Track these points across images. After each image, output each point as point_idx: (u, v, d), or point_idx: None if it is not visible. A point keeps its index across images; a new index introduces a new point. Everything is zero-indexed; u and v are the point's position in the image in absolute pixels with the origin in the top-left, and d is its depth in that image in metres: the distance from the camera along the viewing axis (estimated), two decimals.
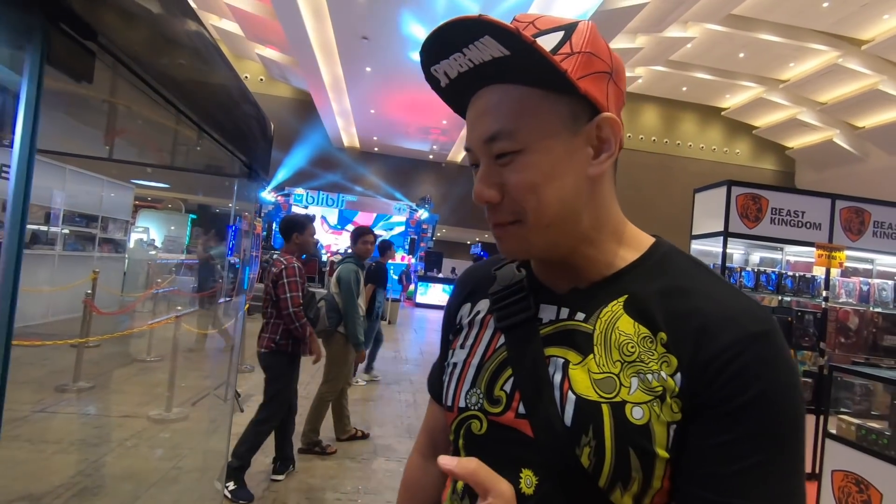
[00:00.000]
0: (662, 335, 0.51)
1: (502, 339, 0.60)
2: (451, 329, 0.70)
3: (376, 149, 19.68)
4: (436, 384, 0.76)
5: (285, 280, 2.97)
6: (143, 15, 0.72)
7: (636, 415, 0.49)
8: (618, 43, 12.78)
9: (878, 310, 3.91)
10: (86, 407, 3.99)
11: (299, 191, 17.84)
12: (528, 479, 0.53)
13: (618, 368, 0.52)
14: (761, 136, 18.37)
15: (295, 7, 9.66)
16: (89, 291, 4.85)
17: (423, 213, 17.37)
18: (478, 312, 0.66)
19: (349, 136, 18.69)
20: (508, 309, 0.61)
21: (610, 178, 0.59)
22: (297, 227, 3.16)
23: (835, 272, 3.92)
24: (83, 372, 4.44)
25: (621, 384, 0.51)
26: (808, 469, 3.64)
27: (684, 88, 17.19)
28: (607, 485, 0.49)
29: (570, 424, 0.51)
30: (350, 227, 17.91)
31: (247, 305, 5.14)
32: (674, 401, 0.49)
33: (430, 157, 19.77)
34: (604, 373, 0.52)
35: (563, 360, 0.54)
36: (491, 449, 0.56)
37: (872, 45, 11.86)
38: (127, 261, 9.16)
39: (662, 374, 0.50)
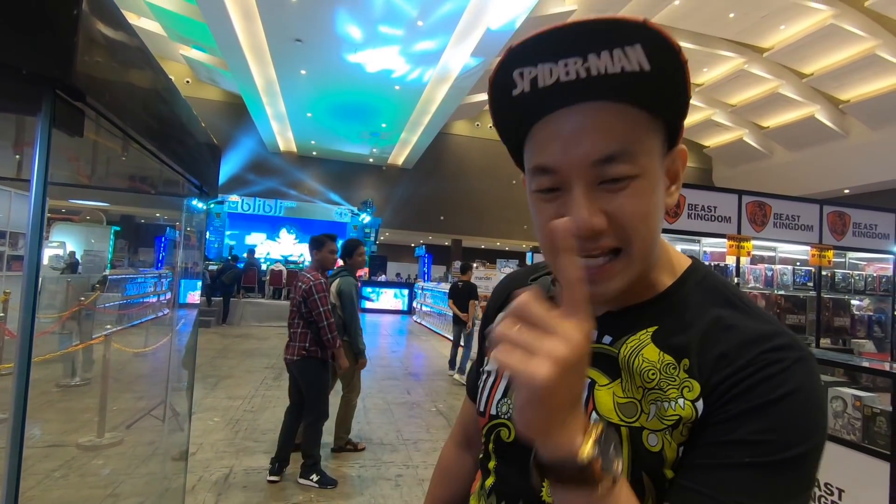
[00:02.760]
0: (686, 361, 0.52)
1: None
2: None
3: (314, 153, 19.27)
4: (472, 385, 0.78)
5: (316, 296, 3.26)
6: (117, 76, 0.77)
7: (651, 442, 0.51)
8: None
9: (781, 292, 4.37)
10: (2, 439, 3.68)
11: (234, 198, 17.15)
12: (549, 489, 0.53)
13: (640, 394, 0.53)
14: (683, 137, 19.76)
15: (222, 7, 9.30)
16: (1, 314, 4.47)
17: (365, 217, 17.21)
18: None
19: (285, 141, 18.19)
20: None
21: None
22: (315, 245, 3.47)
23: (744, 260, 4.33)
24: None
25: (642, 410, 0.52)
26: None
27: None
28: None
29: None
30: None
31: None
32: (685, 427, 0.50)
33: (371, 160, 19.63)
34: (628, 398, 0.53)
35: (589, 381, 0.56)
36: (517, 456, 0.59)
37: (773, 53, 13.09)
38: (41, 279, 8.45)
39: (681, 401, 0.50)
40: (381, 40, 10.74)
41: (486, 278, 8.69)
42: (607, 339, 0.57)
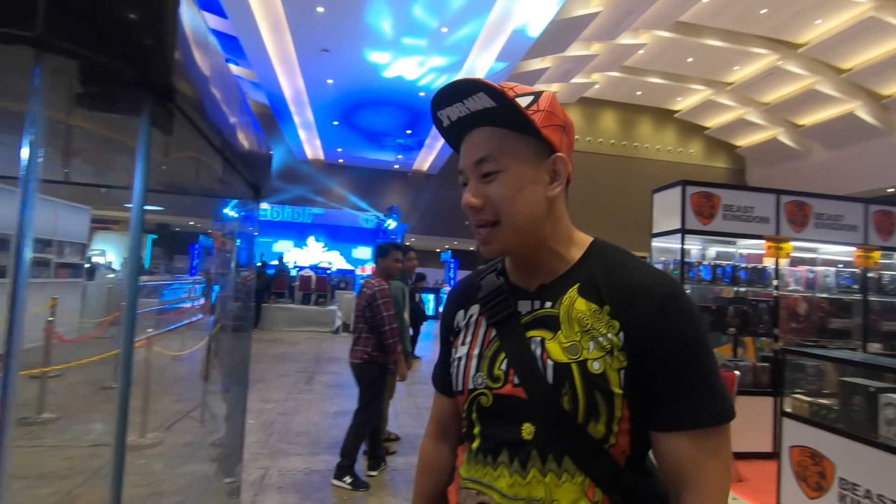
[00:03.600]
0: (607, 307, 0.73)
1: (494, 332, 0.80)
2: (450, 333, 0.89)
3: (341, 160, 19.57)
4: (440, 379, 0.94)
5: (380, 301, 3.40)
6: (198, 80, 0.82)
7: (595, 367, 0.70)
8: (574, 50, 13.20)
9: (824, 295, 4.20)
10: (52, 438, 3.84)
11: (264, 205, 17.55)
12: (528, 429, 0.73)
13: (579, 337, 0.72)
14: (712, 136, 19.24)
15: (252, 21, 9.58)
16: (51, 318, 4.67)
17: (391, 223, 17.34)
18: (471, 315, 0.86)
19: (313, 149, 18.53)
20: (495, 308, 0.80)
21: (562, 200, 0.80)
22: (380, 253, 3.66)
23: (783, 262, 4.19)
24: (47, 403, 4.28)
25: (583, 347, 0.71)
26: (768, 448, 3.87)
27: (639, 93, 17.86)
28: (584, 420, 0.69)
29: (552, 383, 0.71)
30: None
31: (218, 326, 5.04)
32: (620, 353, 0.70)
33: (396, 166, 19.81)
34: (570, 342, 0.72)
35: (540, 338, 0.75)
36: (498, 414, 0.76)
37: (808, 48, 12.67)
38: (86, 285, 8.82)
39: (609, 335, 0.71)
40: (406, 48, 10.86)
41: None
42: (548, 304, 0.77)
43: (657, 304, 0.70)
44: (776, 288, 4.09)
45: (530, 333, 0.75)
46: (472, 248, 22.05)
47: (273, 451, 3.89)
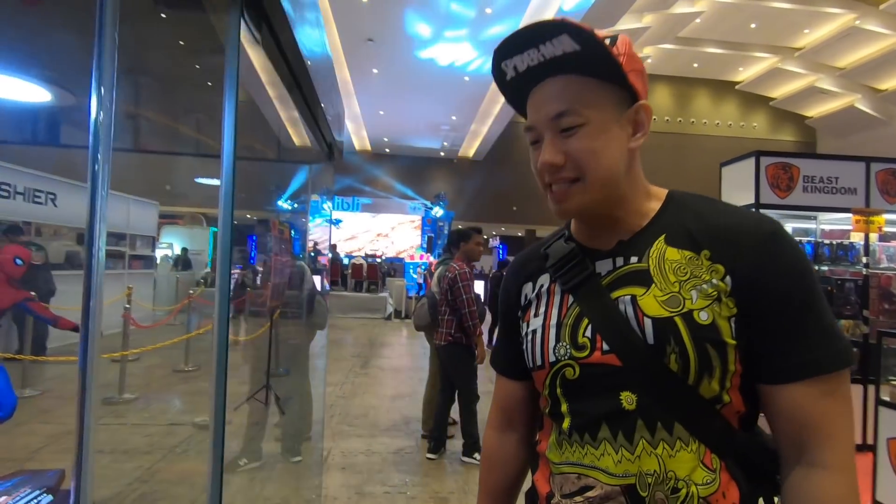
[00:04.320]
0: (706, 252, 0.66)
1: (572, 299, 0.73)
2: (516, 308, 0.82)
3: (387, 150, 19.73)
4: (503, 362, 0.87)
5: (461, 284, 3.47)
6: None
7: (703, 317, 0.63)
8: (624, 24, 12.59)
9: None
10: (134, 417, 4.10)
11: (314, 197, 18.01)
12: (627, 398, 0.66)
13: (677, 287, 0.65)
14: (779, 108, 17.96)
15: None
16: (127, 306, 4.97)
17: (438, 211, 17.37)
18: (542, 286, 0.79)
19: (360, 139, 18.78)
20: (570, 273, 0.74)
21: (639, 153, 0.73)
22: (462, 237, 3.69)
23: (874, 237, 3.82)
24: (127, 384, 4.57)
25: (684, 298, 0.64)
26: (860, 440, 3.56)
27: (695, 65, 16.89)
28: (695, 379, 0.63)
29: (653, 342, 0.64)
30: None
31: (276, 313, 5.21)
32: (728, 299, 0.63)
33: (442, 153, 19.76)
34: (667, 294, 0.65)
35: (629, 297, 0.68)
36: (588, 386, 0.69)
37: (890, 4, 11.48)
38: (156, 276, 9.37)
39: (714, 280, 0.64)
40: (450, 31, 10.71)
41: None
42: (634, 258, 0.70)
43: (764, 242, 0.64)
44: (866, 266, 3.73)
45: (616, 294, 0.68)
46: (520, 234, 21.78)
47: (335, 433, 3.98)
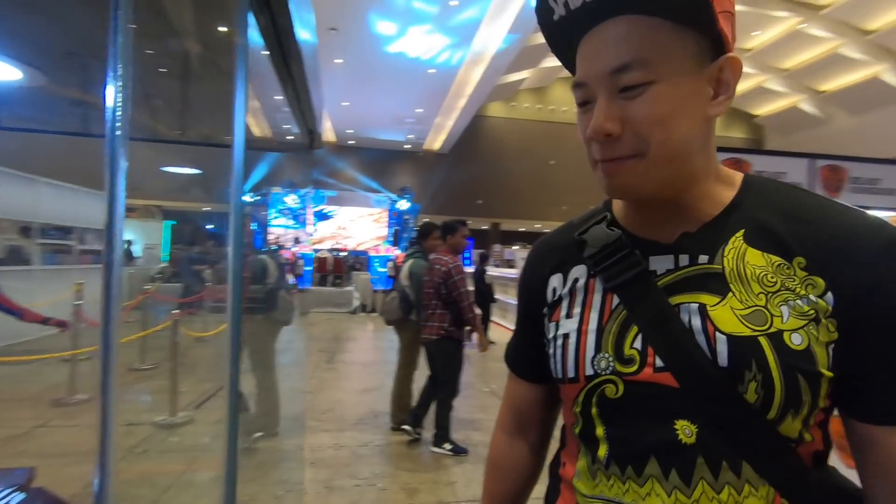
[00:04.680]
0: (800, 259, 0.52)
1: (616, 300, 0.59)
2: (540, 304, 0.68)
3: (352, 142, 19.45)
4: (520, 362, 0.75)
5: (456, 277, 3.44)
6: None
7: (795, 341, 0.50)
8: None
9: None
10: (88, 418, 3.92)
11: (276, 189, 17.56)
12: (686, 429, 0.53)
13: (763, 300, 0.52)
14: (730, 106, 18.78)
15: None
16: (79, 302, 4.74)
17: (404, 204, 17.28)
18: (576, 279, 0.64)
19: (323, 131, 18.43)
20: (615, 268, 0.59)
21: (715, 123, 0.58)
22: (449, 230, 3.68)
23: None
24: (79, 384, 4.36)
25: (772, 314, 0.51)
26: None
27: None
28: (778, 415, 0.50)
29: (726, 364, 0.51)
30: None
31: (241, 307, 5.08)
32: (828, 321, 0.50)
33: (407, 146, 19.66)
34: (749, 307, 0.52)
35: (697, 305, 0.54)
36: (633, 409, 0.56)
37: (832, 9, 12.17)
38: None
39: (811, 297, 0.51)
40: (415, 23, 10.63)
41: None
42: (703, 258, 0.56)
43: (881, 253, 0.50)
44: None
45: (677, 299, 0.55)
46: (485, 228, 21.97)
47: (302, 428, 3.93)
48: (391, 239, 17.30)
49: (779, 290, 0.52)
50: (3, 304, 3.40)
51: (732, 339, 0.51)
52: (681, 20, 0.50)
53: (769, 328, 0.51)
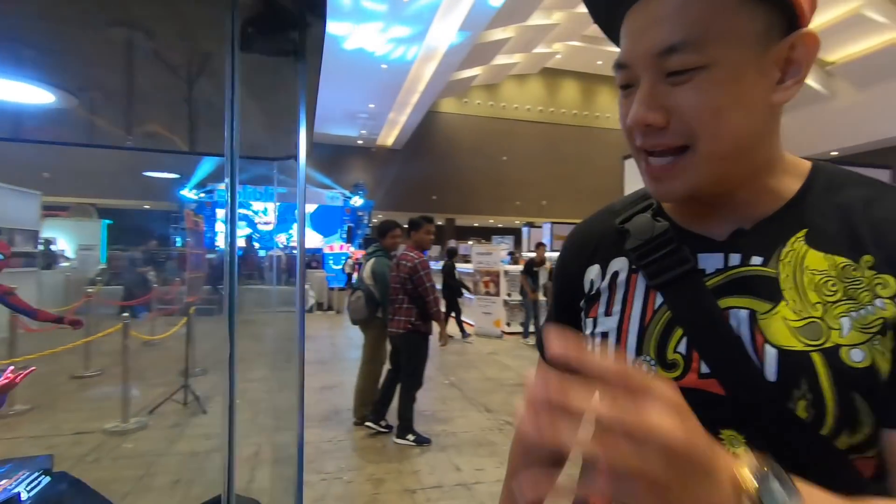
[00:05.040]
0: (867, 258, 0.46)
1: (660, 299, 0.54)
2: (577, 296, 0.64)
3: None
4: None
5: (422, 273, 3.53)
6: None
7: (856, 357, 0.44)
8: (535, 20, 13.17)
9: None
10: (31, 429, 3.72)
11: (222, 186, 16.95)
12: (733, 439, 0.48)
13: (820, 311, 0.46)
14: None
15: None
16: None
17: (357, 200, 17.12)
18: (615, 273, 0.60)
19: None
20: (660, 264, 0.54)
21: (781, 110, 0.50)
22: (412, 227, 3.77)
23: None
24: (17, 395, 4.11)
25: (830, 327, 0.45)
26: None
27: (599, 62, 18.07)
28: (832, 432, 0.45)
29: (775, 380, 0.46)
30: None
31: (192, 308, 4.94)
32: (894, 330, 0.44)
33: (360, 142, 19.45)
34: (804, 319, 0.46)
35: (746, 312, 0.49)
36: None
37: None
38: (39, 274, 8.39)
39: (878, 301, 0.45)
40: (366, 18, 10.56)
41: (487, 253, 8.81)
42: (756, 259, 0.50)
43: None
44: None
45: (726, 302, 0.50)
46: (440, 223, 22.12)
47: (263, 428, 3.91)
48: (345, 236, 17.11)
49: (840, 300, 0.46)
50: (18, 305, 3.52)
51: (783, 354, 0.46)
52: None
53: (825, 343, 0.45)
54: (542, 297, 7.48)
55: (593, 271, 0.62)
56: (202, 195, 16.07)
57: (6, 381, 1.43)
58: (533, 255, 8.06)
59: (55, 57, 0.79)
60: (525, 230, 12.00)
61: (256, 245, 14.90)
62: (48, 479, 0.81)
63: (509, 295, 8.63)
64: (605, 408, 0.30)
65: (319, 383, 5.25)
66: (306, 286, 12.00)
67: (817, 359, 0.45)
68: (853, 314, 0.45)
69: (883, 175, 4.21)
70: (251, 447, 3.51)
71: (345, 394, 4.46)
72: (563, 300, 0.67)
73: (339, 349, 7.41)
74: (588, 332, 0.61)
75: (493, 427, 4.01)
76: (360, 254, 12.84)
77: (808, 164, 0.54)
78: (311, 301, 11.71)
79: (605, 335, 0.58)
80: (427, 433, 3.74)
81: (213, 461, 3.28)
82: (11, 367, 1.46)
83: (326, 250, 16.30)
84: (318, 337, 8.74)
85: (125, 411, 3.79)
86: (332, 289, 12.10)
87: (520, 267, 8.48)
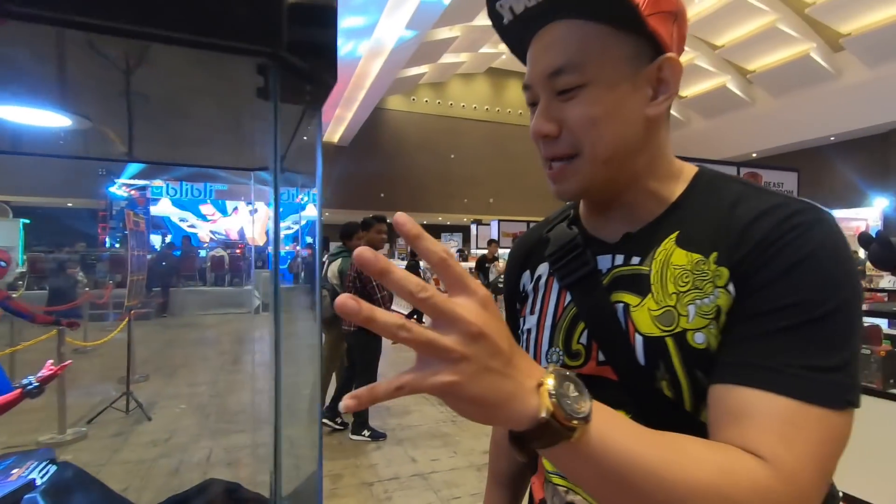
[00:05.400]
0: (715, 254, 0.52)
1: (569, 297, 0.62)
2: (516, 298, 0.73)
3: None
4: None
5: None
6: None
7: (698, 340, 0.51)
8: (481, 20, 13.40)
9: None
10: None
11: (158, 183, 16.05)
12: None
13: (674, 301, 0.53)
14: None
15: None
16: None
17: (302, 198, 16.73)
18: (539, 277, 0.68)
19: None
20: (568, 266, 0.62)
21: (665, 119, 0.59)
22: (364, 227, 3.87)
23: None
24: None
25: (680, 314, 0.52)
26: None
27: None
28: (692, 407, 0.52)
29: (643, 363, 0.53)
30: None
31: (132, 312, 4.72)
32: (725, 315, 0.50)
33: (305, 137, 19.00)
34: (662, 308, 0.54)
35: (622, 305, 0.56)
36: None
37: (689, 25, 13.92)
38: None
39: (717, 291, 0.51)
40: None
41: None
42: (635, 259, 0.58)
43: (776, 224, 0.49)
44: None
45: (615, 297, 0.58)
46: (388, 221, 22.03)
47: (214, 432, 3.83)
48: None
49: (689, 290, 0.53)
50: (17, 309, 3.67)
51: (646, 340, 0.54)
52: (613, 24, 0.52)
53: (675, 328, 0.52)
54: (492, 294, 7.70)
55: (525, 276, 0.71)
56: (134, 192, 15.17)
57: (50, 372, 1.56)
58: (484, 251, 8.24)
59: (80, 90, 0.81)
60: (473, 227, 12.22)
61: (208, 243, 14.24)
62: (55, 467, 0.84)
63: None
64: (418, 299, 0.33)
65: (270, 385, 5.18)
66: (251, 286, 11.66)
67: (670, 343, 0.52)
68: (698, 302, 0.52)
69: (791, 177, 4.70)
70: (202, 451, 3.45)
71: (298, 395, 4.43)
72: (509, 303, 0.75)
73: (289, 350, 7.30)
74: (519, 330, 0.69)
75: (446, 419, 4.13)
76: (305, 252, 12.56)
77: (693, 170, 0.61)
78: (256, 302, 11.38)
79: (529, 331, 0.67)
80: (382, 428, 3.81)
81: (162, 468, 3.19)
82: (51, 361, 1.59)
83: (270, 250, 15.83)
84: (266, 339, 8.52)
85: (62, 422, 3.60)
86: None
87: (470, 264, 8.66)
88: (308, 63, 0.62)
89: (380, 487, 2.97)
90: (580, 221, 0.67)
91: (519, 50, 0.60)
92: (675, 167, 0.60)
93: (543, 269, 0.68)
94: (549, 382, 0.37)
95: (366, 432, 3.68)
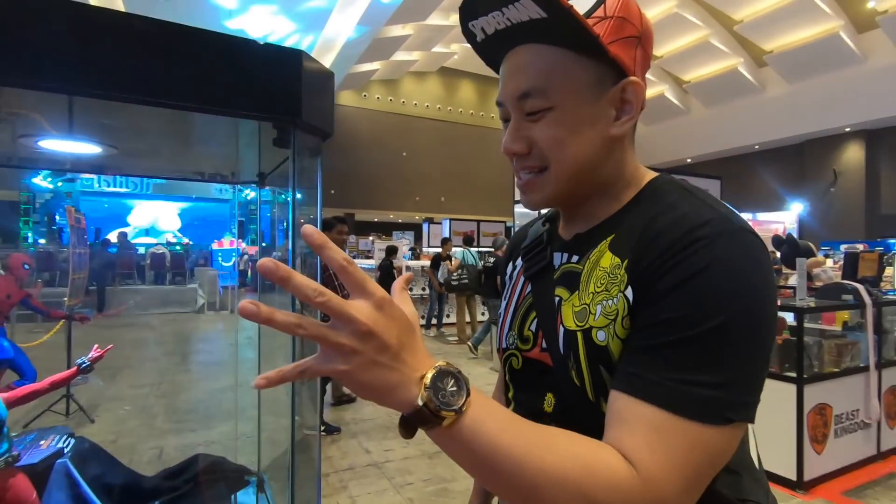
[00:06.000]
0: (627, 261, 0.55)
1: (529, 287, 0.69)
2: (504, 284, 0.81)
3: None
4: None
5: (332, 271, 3.67)
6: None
7: (600, 337, 0.55)
8: (433, 20, 13.55)
9: None
10: None
11: (89, 175, 15.10)
12: (549, 401, 0.62)
13: (590, 299, 0.58)
14: None
15: None
16: None
17: (249, 193, 16.24)
18: (515, 268, 0.76)
19: None
20: (532, 260, 0.70)
21: (630, 136, 0.63)
22: (326, 227, 3.87)
23: None
24: None
25: (590, 313, 0.57)
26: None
27: None
28: (594, 398, 0.57)
29: (563, 352, 0.59)
30: None
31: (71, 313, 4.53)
32: (626, 318, 0.54)
33: None
34: (581, 305, 0.59)
35: (557, 299, 0.62)
36: (526, 380, 0.67)
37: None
38: None
39: (618, 295, 0.55)
40: (259, 2, 10.13)
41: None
42: (575, 258, 0.63)
43: (679, 236, 0.51)
44: None
45: (557, 291, 0.63)
46: (346, 221, 21.77)
47: (163, 432, 3.78)
48: (235, 231, 16.19)
49: (601, 291, 0.57)
50: (36, 306, 3.96)
51: (565, 332, 0.59)
52: (573, 48, 0.55)
53: (585, 325, 0.57)
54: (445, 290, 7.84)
55: (510, 267, 0.79)
56: (59, 184, 14.19)
57: (97, 354, 1.73)
58: (439, 250, 8.36)
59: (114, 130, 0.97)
60: (425, 226, 12.36)
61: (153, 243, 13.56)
62: (73, 440, 0.96)
63: (411, 290, 8.92)
64: (316, 302, 0.39)
65: (221, 384, 5.10)
66: (194, 285, 11.27)
67: (580, 337, 0.57)
68: (604, 303, 0.56)
69: (714, 184, 5.15)
70: (151, 451, 3.41)
71: (249, 392, 4.42)
72: (503, 289, 0.83)
73: (236, 349, 7.18)
74: (500, 311, 0.78)
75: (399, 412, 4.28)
76: (253, 249, 12.29)
77: (650, 177, 0.64)
78: (200, 300, 11.03)
79: (500, 315, 0.76)
80: (337, 422, 3.90)
81: None
82: (97, 345, 1.77)
83: (215, 246, 15.35)
84: (212, 338, 8.34)
85: None
86: (224, 287, 11.47)
87: (422, 262, 8.79)
88: (315, 122, 0.79)
89: (335, 478, 3.08)
90: (554, 220, 0.74)
91: (494, 65, 0.64)
92: (638, 175, 0.64)
93: (520, 261, 0.75)
94: (429, 376, 0.43)
95: (321, 427, 3.76)
